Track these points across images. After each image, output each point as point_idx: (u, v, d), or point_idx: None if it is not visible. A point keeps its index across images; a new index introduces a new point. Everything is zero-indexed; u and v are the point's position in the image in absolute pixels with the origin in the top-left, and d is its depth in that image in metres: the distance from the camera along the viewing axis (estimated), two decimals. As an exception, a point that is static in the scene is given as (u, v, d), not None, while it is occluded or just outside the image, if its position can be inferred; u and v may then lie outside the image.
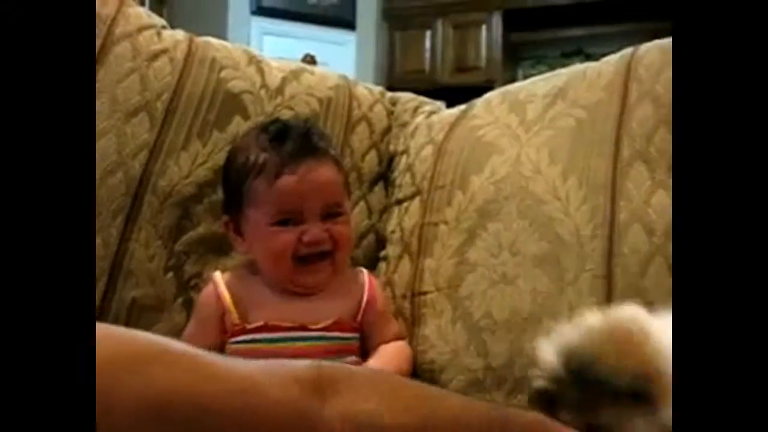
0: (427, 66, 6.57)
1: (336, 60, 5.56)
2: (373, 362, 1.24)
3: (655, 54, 1.34)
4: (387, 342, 1.29)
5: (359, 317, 1.29)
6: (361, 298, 1.30)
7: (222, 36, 1.56)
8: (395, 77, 6.40)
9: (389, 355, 1.26)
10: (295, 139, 1.28)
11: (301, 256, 1.25)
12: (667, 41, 1.36)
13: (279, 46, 5.45)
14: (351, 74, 5.31)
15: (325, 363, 0.77)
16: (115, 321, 1.31)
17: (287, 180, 1.24)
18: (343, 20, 6.31)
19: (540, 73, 1.60)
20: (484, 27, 6.50)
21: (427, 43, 6.61)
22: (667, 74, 1.30)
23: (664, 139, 1.26)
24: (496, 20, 6.47)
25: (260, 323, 1.24)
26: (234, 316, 1.26)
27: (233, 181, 1.30)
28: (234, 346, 1.25)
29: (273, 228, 1.25)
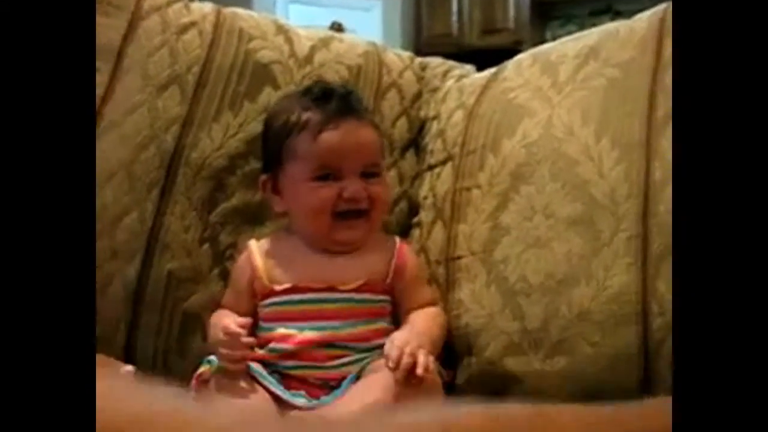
0: (454, 29, 6.54)
1: (363, 26, 5.54)
2: (404, 328, 1.24)
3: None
4: (419, 308, 1.29)
5: (389, 279, 1.29)
6: (391, 260, 1.30)
7: (247, 5, 1.56)
8: (422, 41, 6.37)
9: (421, 321, 1.26)
10: (338, 99, 1.29)
11: (339, 212, 1.26)
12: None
13: (305, 15, 5.44)
14: (378, 40, 5.30)
15: None
16: (153, 294, 1.33)
17: (331, 135, 1.25)
18: (369, -13, 6.29)
19: (569, 33, 1.58)
20: (511, -13, 6.46)
21: (454, 6, 6.57)
22: (702, 29, 1.28)
23: (698, 96, 1.26)
24: (524, -20, 6.43)
25: (288, 285, 1.26)
26: (264, 280, 1.27)
27: (273, 140, 1.31)
28: (264, 310, 1.27)
29: (313, 183, 1.26)
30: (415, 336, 1.17)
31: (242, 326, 1.18)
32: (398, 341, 1.13)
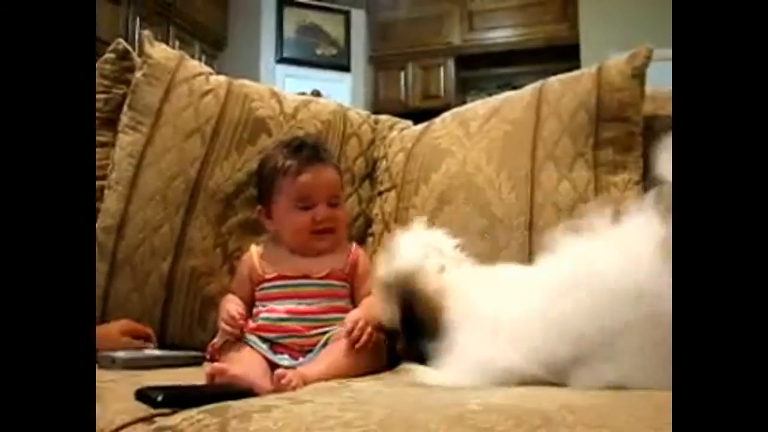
0: (402, 95, 6.56)
1: (336, 93, 5.52)
2: (358, 308, 1.24)
3: (558, 84, 1.35)
4: (366, 294, 1.28)
5: (347, 270, 1.29)
6: (348, 257, 1.31)
7: (256, 79, 1.55)
8: (379, 104, 6.38)
9: (371, 302, 1.24)
10: (308, 149, 1.32)
11: (314, 231, 1.28)
12: (566, 75, 1.37)
13: (296, 84, 5.44)
14: (347, 103, 5.31)
15: None
16: (181, 284, 1.33)
17: (305, 177, 1.28)
18: (341, 65, 6.30)
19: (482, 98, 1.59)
20: (442, 68, 6.49)
21: (402, 80, 6.60)
22: (567, 98, 1.30)
23: (566, 144, 1.27)
24: (450, 63, 6.47)
25: (275, 274, 1.27)
26: (258, 271, 1.28)
27: (266, 180, 1.33)
28: (260, 292, 1.28)
29: (293, 211, 1.28)
30: (365, 314, 1.18)
31: (241, 314, 1.21)
32: (351, 319, 1.17)
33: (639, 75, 1.26)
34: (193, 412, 0.76)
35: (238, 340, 1.20)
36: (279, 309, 1.23)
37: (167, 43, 4.88)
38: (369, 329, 1.15)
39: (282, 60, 6.06)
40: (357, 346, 1.13)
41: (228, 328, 1.20)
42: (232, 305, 1.22)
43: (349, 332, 1.14)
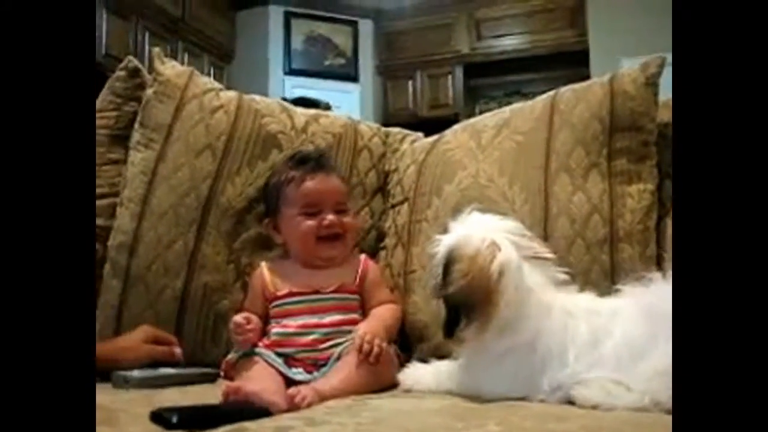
0: (410, 104, 6.55)
1: (345, 104, 5.55)
2: (366, 321, 1.24)
3: (571, 94, 1.33)
4: (376, 305, 1.29)
5: (356, 282, 1.29)
6: (358, 270, 1.31)
7: (264, 91, 1.54)
8: (388, 114, 6.37)
9: (378, 314, 1.27)
10: (312, 160, 1.34)
11: (321, 236, 1.29)
12: (579, 84, 1.36)
13: (304, 95, 5.44)
14: (356, 113, 5.32)
15: None
16: (194, 300, 1.32)
17: (309, 183, 1.30)
18: (349, 75, 6.30)
19: (491, 107, 1.59)
20: (450, 76, 6.47)
21: (410, 89, 6.59)
22: (580, 108, 1.28)
23: (579, 155, 1.25)
24: (459, 71, 6.45)
25: (286, 291, 1.27)
26: (270, 288, 1.29)
27: (272, 193, 1.34)
28: (273, 309, 1.28)
29: (300, 218, 1.29)
30: (372, 327, 1.19)
31: (245, 318, 1.21)
32: (360, 333, 1.16)
33: (652, 84, 1.25)
34: (208, 435, 0.75)
35: (252, 349, 1.20)
36: (292, 324, 1.23)
37: (176, 57, 4.94)
38: (377, 341, 1.14)
39: (290, 71, 6.07)
40: (370, 360, 1.13)
41: (239, 337, 1.20)
42: (237, 316, 1.23)
43: (359, 348, 1.13)
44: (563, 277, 1.01)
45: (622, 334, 0.89)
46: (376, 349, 1.13)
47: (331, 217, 1.29)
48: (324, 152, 1.42)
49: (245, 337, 1.20)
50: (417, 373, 1.10)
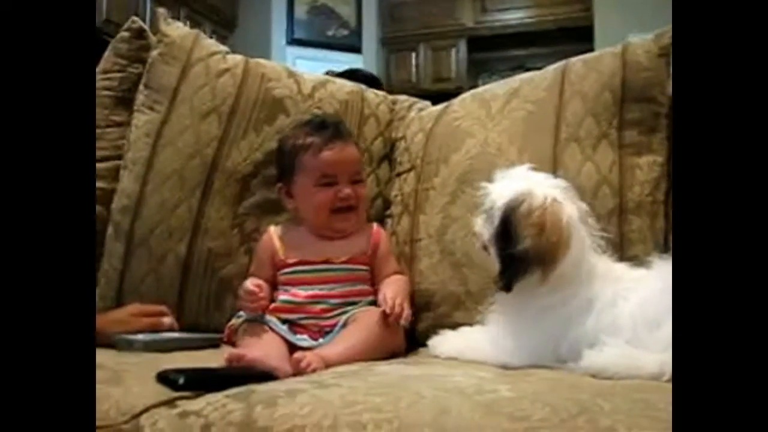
0: (413, 77, 6.51)
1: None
2: (386, 287, 1.22)
3: (581, 64, 1.32)
4: (388, 275, 1.28)
5: (368, 253, 1.28)
6: (369, 241, 1.29)
7: (266, 59, 1.52)
8: (390, 86, 6.33)
9: (400, 284, 1.25)
10: (331, 127, 1.30)
11: (336, 208, 1.26)
12: (589, 55, 1.34)
13: (307, 67, 5.32)
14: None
15: None
16: (198, 265, 1.31)
17: (328, 153, 1.26)
18: (353, 46, 6.25)
19: (494, 82, 1.56)
20: (453, 49, 6.44)
21: (413, 61, 6.55)
22: (591, 78, 1.27)
23: (589, 125, 1.24)
24: (462, 44, 6.41)
25: (297, 259, 1.25)
26: (280, 255, 1.27)
27: (286, 157, 1.30)
28: (282, 277, 1.26)
29: (316, 188, 1.26)
30: (399, 293, 1.19)
31: (257, 285, 1.19)
32: (390, 295, 1.16)
33: (666, 54, 1.23)
34: (217, 396, 0.74)
35: (260, 316, 1.19)
36: (301, 294, 1.22)
37: (179, 24, 4.86)
38: (407, 309, 1.16)
39: (293, 41, 6.02)
40: (402, 322, 1.15)
41: (249, 304, 1.19)
42: (248, 282, 1.21)
43: (391, 308, 1.13)
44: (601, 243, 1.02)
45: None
46: (406, 312, 1.15)
47: (347, 189, 1.26)
48: (340, 119, 1.39)
49: (257, 305, 1.19)
50: (447, 341, 1.09)
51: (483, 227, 1.05)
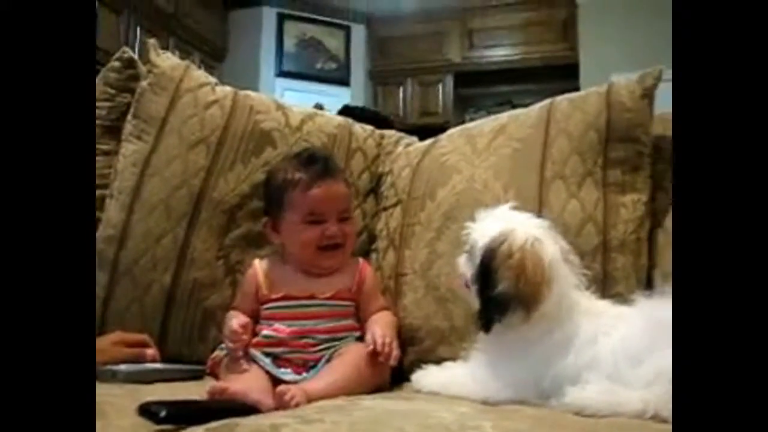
0: (400, 111, 6.56)
1: (335, 107, 5.52)
2: (374, 324, 1.22)
3: (566, 103, 1.34)
4: (375, 311, 1.26)
5: (354, 289, 1.26)
6: (355, 277, 1.28)
7: (255, 91, 1.53)
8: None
9: (386, 321, 1.25)
10: (320, 162, 1.29)
11: (322, 246, 1.25)
12: (575, 94, 1.36)
13: (296, 98, 5.41)
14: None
15: None
16: (182, 296, 1.30)
17: (317, 191, 1.25)
18: (341, 79, 6.31)
19: (480, 117, 1.58)
20: (440, 84, 6.50)
21: (401, 95, 6.61)
22: (576, 117, 1.29)
23: (575, 163, 1.25)
24: (449, 80, 6.48)
25: (281, 294, 1.24)
26: (264, 290, 1.26)
27: (275, 191, 1.29)
28: (265, 311, 1.25)
29: (303, 225, 1.25)
30: (388, 331, 1.19)
31: (242, 326, 1.18)
32: (379, 333, 1.16)
33: (649, 95, 1.26)
34: (199, 430, 0.74)
35: (243, 355, 1.17)
36: (284, 329, 1.20)
37: (168, 54, 4.89)
38: (395, 343, 1.16)
39: (281, 73, 6.06)
40: (391, 362, 1.14)
41: (231, 344, 1.17)
42: (234, 320, 1.20)
43: (381, 347, 1.13)
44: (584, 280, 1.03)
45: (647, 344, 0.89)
46: (395, 351, 1.15)
47: (334, 228, 1.25)
48: (329, 153, 1.39)
49: (239, 345, 1.17)
50: (430, 376, 1.09)
51: (466, 266, 1.05)
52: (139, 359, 1.18)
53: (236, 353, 1.17)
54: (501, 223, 1.02)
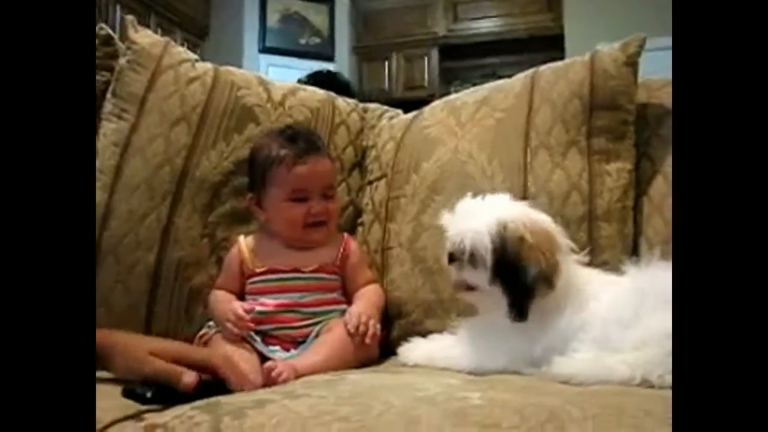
0: (386, 86, 6.53)
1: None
2: (356, 301, 1.22)
3: (550, 72, 1.33)
4: (361, 285, 1.26)
5: (337, 263, 1.26)
6: (339, 250, 1.27)
7: (238, 68, 1.51)
8: (363, 95, 6.35)
9: (369, 296, 1.24)
10: (304, 139, 1.27)
11: (307, 223, 1.24)
12: (558, 63, 1.35)
13: (280, 74, 5.36)
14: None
15: None
16: (167, 275, 1.28)
17: (300, 169, 1.24)
18: (325, 55, 6.25)
19: (466, 89, 1.56)
20: (426, 58, 6.48)
21: (386, 70, 6.57)
22: (560, 86, 1.28)
23: (559, 132, 1.25)
24: (434, 53, 6.45)
25: (265, 268, 1.24)
26: (248, 264, 1.25)
27: (258, 168, 1.28)
28: (250, 286, 1.25)
29: (287, 203, 1.24)
30: (368, 308, 1.18)
31: (247, 311, 1.17)
32: (356, 312, 1.15)
33: (632, 63, 1.25)
34: (184, 408, 0.73)
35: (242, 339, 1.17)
36: (270, 303, 1.20)
37: (149, 32, 4.82)
38: (372, 322, 1.14)
39: (265, 49, 6.01)
40: (367, 340, 1.13)
41: (235, 329, 1.16)
42: (236, 304, 1.19)
43: (356, 327, 1.12)
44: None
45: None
46: (371, 330, 1.13)
47: (319, 206, 1.24)
48: (313, 130, 1.38)
49: (240, 333, 1.16)
50: (417, 349, 1.09)
51: (468, 274, 1.01)
52: (172, 380, 0.90)
53: (236, 339, 1.16)
54: (480, 217, 1.00)
